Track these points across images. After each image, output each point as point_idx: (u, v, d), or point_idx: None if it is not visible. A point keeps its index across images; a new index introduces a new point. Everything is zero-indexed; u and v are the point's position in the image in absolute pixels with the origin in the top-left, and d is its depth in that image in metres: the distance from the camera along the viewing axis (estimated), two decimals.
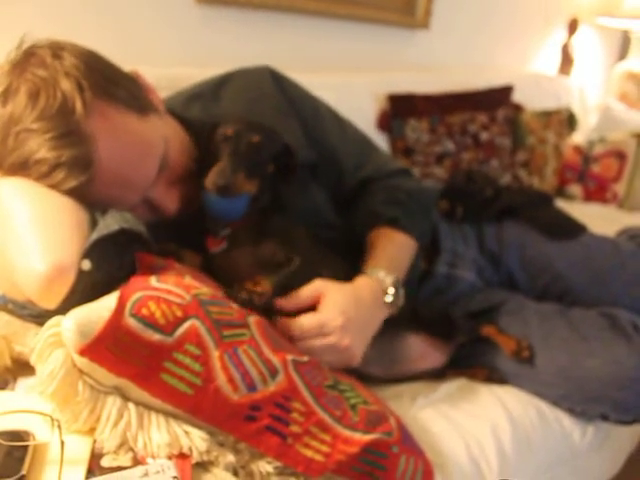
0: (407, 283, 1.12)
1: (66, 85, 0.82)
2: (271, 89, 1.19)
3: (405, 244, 1.18)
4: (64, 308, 0.73)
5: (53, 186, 0.83)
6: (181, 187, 1.02)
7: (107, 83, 0.87)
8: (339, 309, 0.95)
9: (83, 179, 0.83)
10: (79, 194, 0.84)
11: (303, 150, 1.16)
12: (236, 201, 0.95)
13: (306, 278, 0.98)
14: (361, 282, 1.04)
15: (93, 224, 0.80)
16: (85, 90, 0.82)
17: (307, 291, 0.97)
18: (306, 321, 0.93)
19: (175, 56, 1.79)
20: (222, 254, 1.00)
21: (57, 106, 0.81)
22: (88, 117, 0.82)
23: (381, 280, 1.06)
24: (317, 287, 0.98)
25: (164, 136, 0.96)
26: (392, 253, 1.14)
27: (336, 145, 1.23)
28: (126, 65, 0.96)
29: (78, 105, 0.81)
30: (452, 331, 1.21)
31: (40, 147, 0.81)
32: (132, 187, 0.92)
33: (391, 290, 1.06)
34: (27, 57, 0.85)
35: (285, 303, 0.96)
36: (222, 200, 0.94)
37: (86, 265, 0.74)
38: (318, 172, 1.21)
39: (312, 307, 0.97)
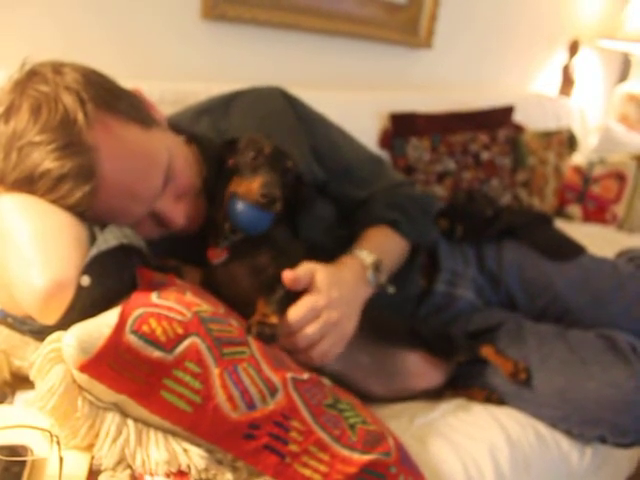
0: (406, 300, 1.13)
1: (67, 98, 0.83)
2: (281, 107, 1.20)
3: (397, 242, 1.21)
4: (63, 324, 0.73)
5: (59, 199, 0.83)
6: (187, 202, 1.02)
7: (108, 96, 0.88)
8: (323, 290, 0.97)
9: (87, 189, 0.84)
10: (85, 207, 0.85)
11: (311, 168, 1.18)
12: (267, 215, 0.96)
13: (296, 294, 0.98)
14: (343, 261, 1.08)
15: (92, 240, 0.80)
16: (86, 102, 0.83)
17: (303, 271, 0.98)
18: (297, 311, 0.94)
19: (180, 71, 1.80)
20: (222, 266, 1.00)
21: (59, 118, 0.82)
22: (90, 128, 0.83)
23: (362, 259, 1.09)
24: (309, 268, 0.99)
25: (168, 148, 0.96)
26: (380, 241, 1.17)
27: (349, 161, 1.25)
28: (131, 79, 0.97)
29: (80, 116, 0.82)
30: (451, 350, 1.21)
31: (43, 159, 0.82)
32: (138, 198, 0.92)
33: (370, 268, 1.08)
34: (29, 76, 0.86)
35: (293, 280, 0.95)
36: (257, 212, 0.95)
37: (85, 281, 0.74)
38: (329, 189, 1.22)
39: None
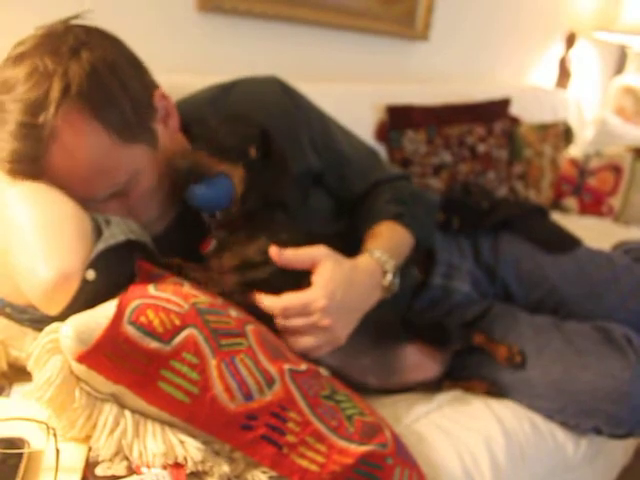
0: (401, 293, 1.12)
1: (56, 84, 0.82)
2: (278, 97, 1.20)
3: (406, 238, 1.18)
4: (65, 315, 0.73)
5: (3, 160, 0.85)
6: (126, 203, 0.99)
7: (102, 99, 0.86)
8: (326, 289, 0.94)
9: (28, 169, 0.85)
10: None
11: (308, 158, 1.18)
12: (214, 186, 0.95)
13: (285, 283, 0.96)
14: (360, 261, 1.04)
15: (96, 230, 0.80)
16: (70, 96, 0.83)
17: (306, 253, 0.96)
18: (290, 300, 0.93)
19: (175, 63, 1.79)
20: (212, 254, 0.99)
21: (35, 96, 0.81)
22: (56, 120, 0.82)
23: (382, 262, 1.05)
24: (317, 253, 0.97)
25: (136, 170, 0.94)
26: (394, 241, 1.14)
27: (345, 153, 1.24)
28: None
29: (52, 106, 0.82)
30: (445, 339, 1.21)
31: (4, 125, 0.83)
32: (75, 194, 0.88)
33: (389, 275, 1.05)
34: (59, 35, 0.87)
35: (278, 256, 0.94)
36: (200, 187, 0.94)
37: (91, 275, 0.75)
38: (325, 180, 1.22)
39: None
